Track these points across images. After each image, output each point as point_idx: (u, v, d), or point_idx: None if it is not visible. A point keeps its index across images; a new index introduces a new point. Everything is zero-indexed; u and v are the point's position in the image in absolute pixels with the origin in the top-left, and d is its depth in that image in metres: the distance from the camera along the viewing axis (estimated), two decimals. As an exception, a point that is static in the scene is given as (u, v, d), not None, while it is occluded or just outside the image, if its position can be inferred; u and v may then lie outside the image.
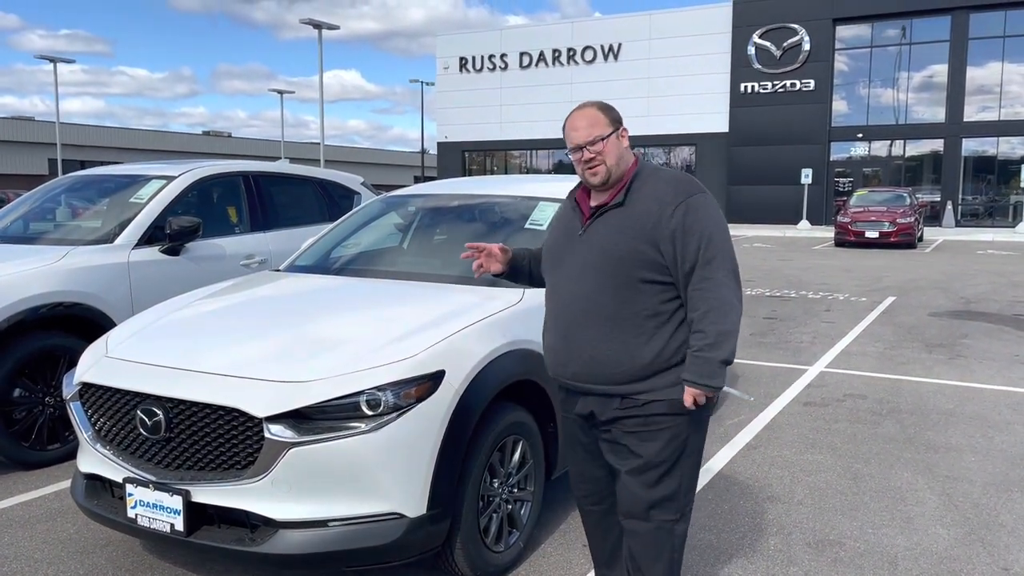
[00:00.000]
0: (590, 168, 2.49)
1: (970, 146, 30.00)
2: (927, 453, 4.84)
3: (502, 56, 36.65)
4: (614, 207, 2.48)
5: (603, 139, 2.47)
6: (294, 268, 4.39)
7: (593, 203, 2.57)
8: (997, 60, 29.28)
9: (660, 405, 2.44)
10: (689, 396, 2.40)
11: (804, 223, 29.23)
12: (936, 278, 14.09)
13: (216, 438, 2.83)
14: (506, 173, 36.81)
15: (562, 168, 36.32)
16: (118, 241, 5.10)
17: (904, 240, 20.78)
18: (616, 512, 2.67)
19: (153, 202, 5.38)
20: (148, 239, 5.23)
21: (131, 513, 2.95)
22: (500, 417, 3.18)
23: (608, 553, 2.84)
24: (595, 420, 2.56)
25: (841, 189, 30.98)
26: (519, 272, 2.90)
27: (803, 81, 30.78)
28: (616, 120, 2.52)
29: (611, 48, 34.39)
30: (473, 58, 37.24)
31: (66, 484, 4.30)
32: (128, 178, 5.81)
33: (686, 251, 2.37)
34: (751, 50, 31.43)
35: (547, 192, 4.32)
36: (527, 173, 35.14)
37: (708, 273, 2.36)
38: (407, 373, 2.85)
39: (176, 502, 2.84)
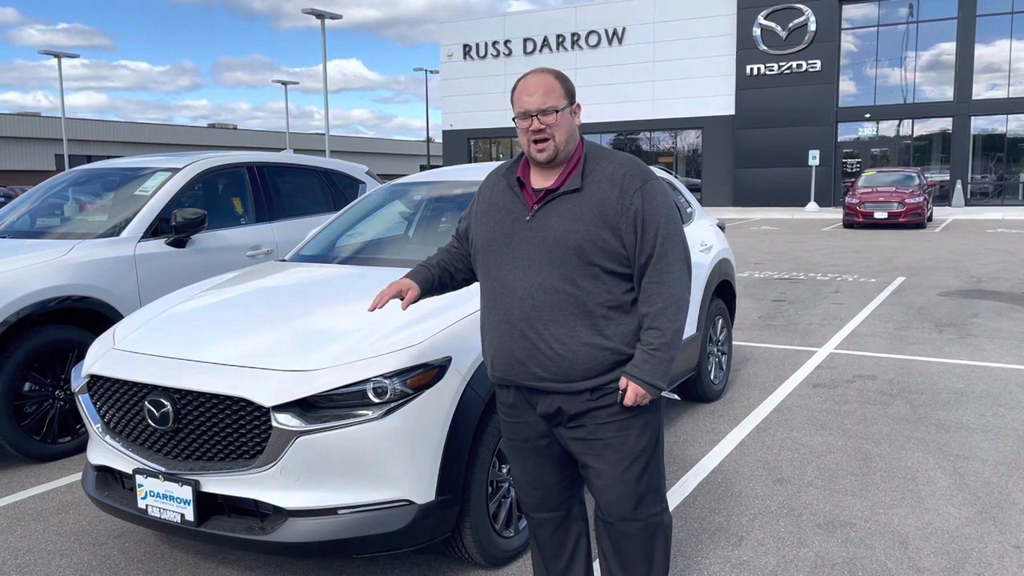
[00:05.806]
0: (538, 142, 2.30)
1: (979, 124, 29.77)
2: (937, 433, 4.82)
3: (506, 42, 36.50)
4: (570, 192, 2.30)
5: (557, 111, 2.28)
6: (300, 258, 4.39)
7: (538, 185, 2.37)
8: (1005, 37, 28.97)
9: None
10: (632, 394, 2.26)
11: (812, 205, 29.10)
12: (946, 257, 14.01)
13: (224, 428, 2.84)
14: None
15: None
16: (124, 234, 5.11)
17: (913, 220, 20.66)
18: (572, 520, 2.57)
19: (158, 194, 5.38)
20: (154, 231, 5.24)
21: (141, 504, 2.97)
22: (507, 403, 3.17)
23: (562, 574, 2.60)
24: (562, 417, 2.37)
25: (849, 170, 30.83)
26: (432, 292, 2.61)
27: (809, 62, 30.53)
28: (572, 94, 2.35)
29: (615, 32, 34.20)
30: (477, 45, 37.09)
31: (77, 476, 4.34)
32: (133, 171, 5.81)
33: (644, 240, 2.26)
34: (756, 31, 31.18)
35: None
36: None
37: (664, 267, 2.26)
38: (413, 360, 2.85)
39: (186, 492, 2.85)
